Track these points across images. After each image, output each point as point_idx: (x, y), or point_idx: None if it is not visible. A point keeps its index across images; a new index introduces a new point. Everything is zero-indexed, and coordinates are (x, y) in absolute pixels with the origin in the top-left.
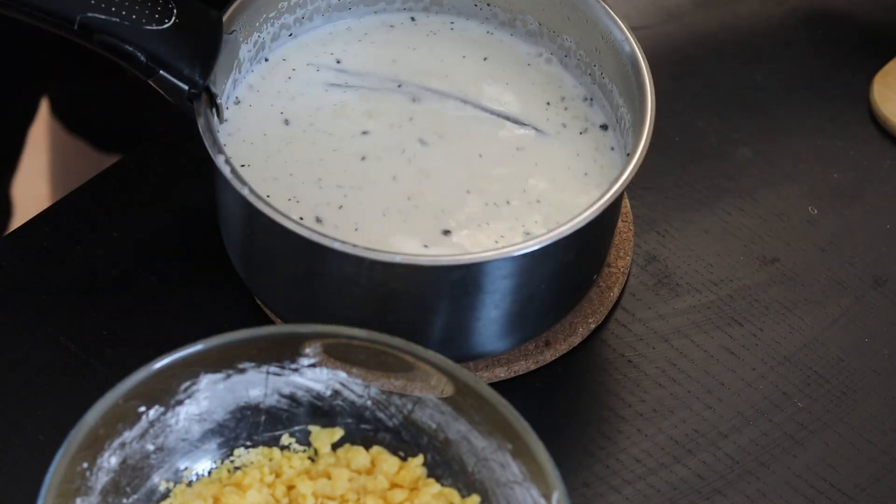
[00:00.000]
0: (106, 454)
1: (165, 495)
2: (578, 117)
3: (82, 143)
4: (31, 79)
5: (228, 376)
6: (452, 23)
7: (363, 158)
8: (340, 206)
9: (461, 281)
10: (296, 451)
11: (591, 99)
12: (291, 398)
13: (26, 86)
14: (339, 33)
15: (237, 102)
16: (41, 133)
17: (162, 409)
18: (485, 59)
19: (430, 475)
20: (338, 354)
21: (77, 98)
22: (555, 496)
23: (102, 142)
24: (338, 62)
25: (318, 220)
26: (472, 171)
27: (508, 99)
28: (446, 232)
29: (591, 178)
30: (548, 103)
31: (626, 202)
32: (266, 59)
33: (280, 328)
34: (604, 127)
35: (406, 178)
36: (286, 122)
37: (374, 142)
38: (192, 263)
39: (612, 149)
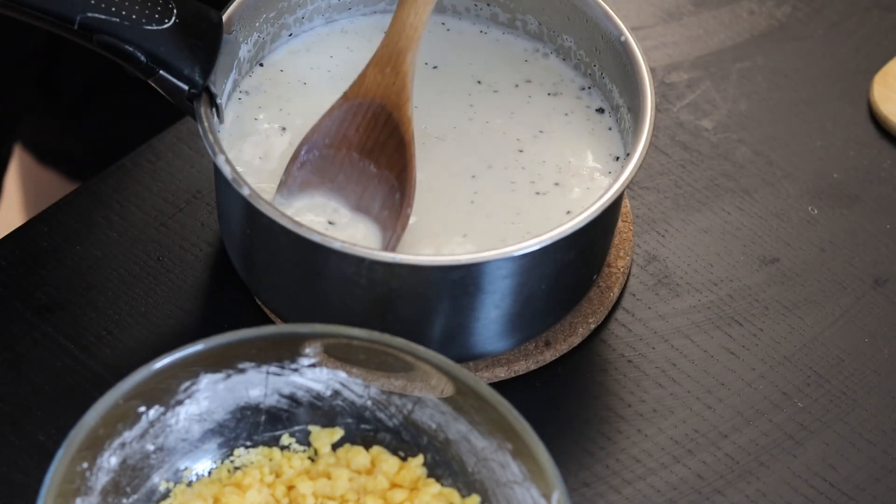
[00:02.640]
0: (106, 454)
1: (165, 495)
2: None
3: (55, 173)
4: (5, 118)
5: (228, 376)
6: (444, 23)
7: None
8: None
9: (461, 281)
10: (296, 451)
11: (589, 88)
12: (291, 398)
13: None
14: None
15: (240, 99)
16: (12, 164)
17: (162, 409)
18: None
19: (430, 475)
20: (338, 354)
21: (49, 129)
22: (555, 496)
23: (76, 172)
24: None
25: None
26: (508, 157)
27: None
28: (464, 236)
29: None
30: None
31: (626, 202)
32: (261, 64)
33: (280, 328)
34: (600, 110)
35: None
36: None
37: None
38: (192, 263)
39: (610, 129)
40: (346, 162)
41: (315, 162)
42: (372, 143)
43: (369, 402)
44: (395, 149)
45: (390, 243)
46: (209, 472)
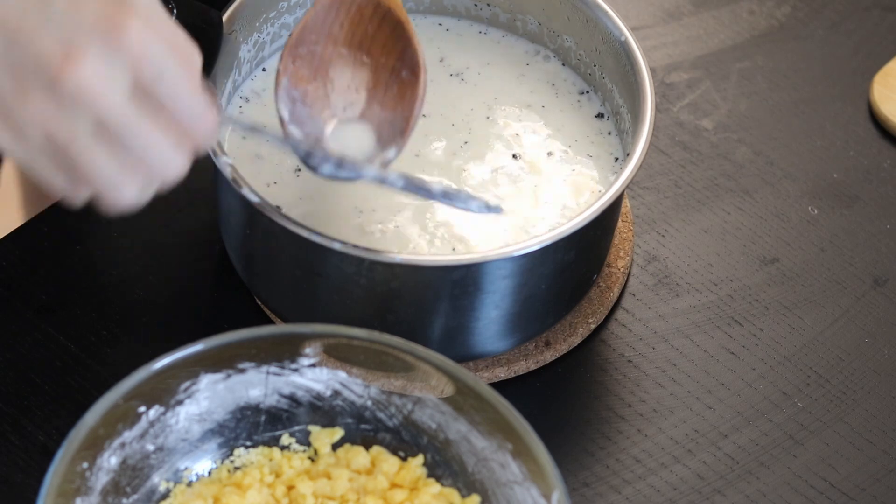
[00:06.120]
0: (106, 454)
1: (165, 495)
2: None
3: None
4: None
5: (228, 376)
6: (440, 24)
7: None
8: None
9: (461, 281)
10: (296, 451)
11: (588, 91)
12: (291, 398)
13: None
14: None
15: (240, 107)
16: (12, 164)
17: (162, 409)
18: (488, 63)
19: (430, 475)
20: (338, 354)
21: None
22: (555, 496)
23: None
24: None
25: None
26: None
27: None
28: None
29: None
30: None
31: (626, 202)
32: (263, 69)
33: (280, 328)
34: (599, 115)
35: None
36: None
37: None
38: (192, 263)
39: (607, 129)
40: (334, 57)
41: (306, 57)
42: (360, 36)
43: (369, 402)
44: (390, 34)
45: (415, 112)
46: (209, 472)
